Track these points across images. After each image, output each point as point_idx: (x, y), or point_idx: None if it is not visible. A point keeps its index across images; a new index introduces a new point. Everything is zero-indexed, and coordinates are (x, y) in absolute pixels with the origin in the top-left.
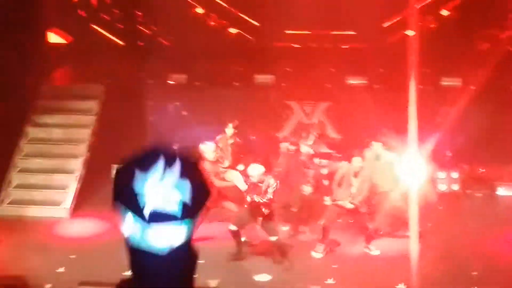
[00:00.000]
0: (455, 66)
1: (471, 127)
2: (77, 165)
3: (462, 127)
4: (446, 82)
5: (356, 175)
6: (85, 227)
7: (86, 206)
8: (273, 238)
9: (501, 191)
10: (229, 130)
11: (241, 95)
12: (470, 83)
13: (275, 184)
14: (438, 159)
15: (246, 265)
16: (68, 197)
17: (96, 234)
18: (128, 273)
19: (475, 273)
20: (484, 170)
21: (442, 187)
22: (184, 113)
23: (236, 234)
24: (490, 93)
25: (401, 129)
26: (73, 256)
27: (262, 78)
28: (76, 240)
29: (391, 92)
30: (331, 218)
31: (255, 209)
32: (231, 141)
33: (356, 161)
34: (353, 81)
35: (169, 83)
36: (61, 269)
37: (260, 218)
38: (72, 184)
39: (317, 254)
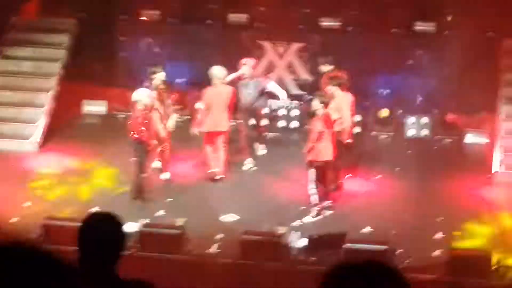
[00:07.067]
0: (430, 10)
1: (443, 72)
2: (47, 99)
3: (434, 73)
4: (419, 26)
5: None
6: (53, 161)
7: (54, 141)
8: None
9: (469, 138)
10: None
11: (214, 33)
12: (444, 28)
13: None
14: (409, 104)
15: (213, 205)
16: (37, 131)
17: (64, 169)
18: (95, 208)
19: (440, 218)
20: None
21: (412, 132)
22: (156, 49)
23: None
24: (464, 39)
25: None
26: (40, 191)
27: (235, 17)
28: (44, 175)
29: (364, 34)
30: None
31: None
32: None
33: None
34: (326, 22)
35: (142, 19)
36: (28, 203)
37: None
38: (41, 118)
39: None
